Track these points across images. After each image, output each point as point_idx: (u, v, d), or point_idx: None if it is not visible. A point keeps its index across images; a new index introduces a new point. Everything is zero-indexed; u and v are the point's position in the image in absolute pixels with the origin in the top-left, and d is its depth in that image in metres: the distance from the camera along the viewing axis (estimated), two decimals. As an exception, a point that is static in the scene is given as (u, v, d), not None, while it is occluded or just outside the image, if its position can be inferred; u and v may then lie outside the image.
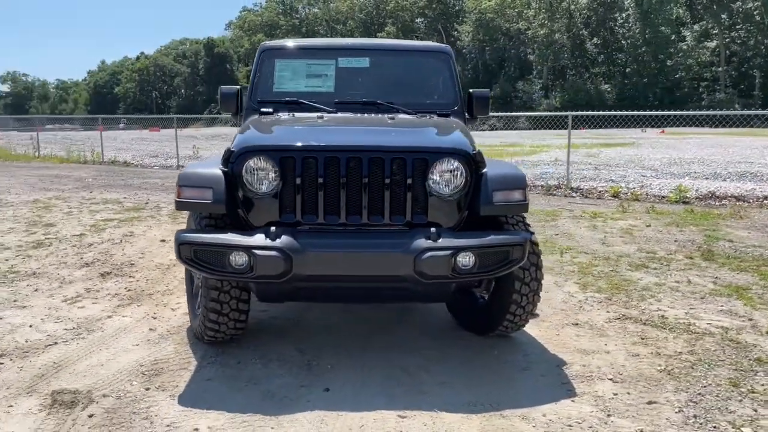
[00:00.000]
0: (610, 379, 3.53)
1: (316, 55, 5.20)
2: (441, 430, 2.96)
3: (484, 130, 49.82)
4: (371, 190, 3.53)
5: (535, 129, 39.67)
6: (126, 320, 4.52)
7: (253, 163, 3.54)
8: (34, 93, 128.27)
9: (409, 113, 4.65)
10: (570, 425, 3.00)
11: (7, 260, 6.25)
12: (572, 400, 3.27)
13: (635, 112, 14.35)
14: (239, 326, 3.88)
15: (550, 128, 28.77)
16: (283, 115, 4.62)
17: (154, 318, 4.56)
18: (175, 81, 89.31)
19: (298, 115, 4.58)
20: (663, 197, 10.66)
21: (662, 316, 4.59)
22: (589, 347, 4.02)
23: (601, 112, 14.81)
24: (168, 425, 2.99)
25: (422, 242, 3.40)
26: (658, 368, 3.67)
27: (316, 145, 3.59)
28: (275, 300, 3.89)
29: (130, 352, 3.93)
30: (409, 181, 3.55)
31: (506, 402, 3.23)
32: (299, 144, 3.61)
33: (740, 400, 3.25)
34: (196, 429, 2.95)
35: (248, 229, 3.58)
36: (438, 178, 3.59)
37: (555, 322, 4.49)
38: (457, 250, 3.40)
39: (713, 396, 3.31)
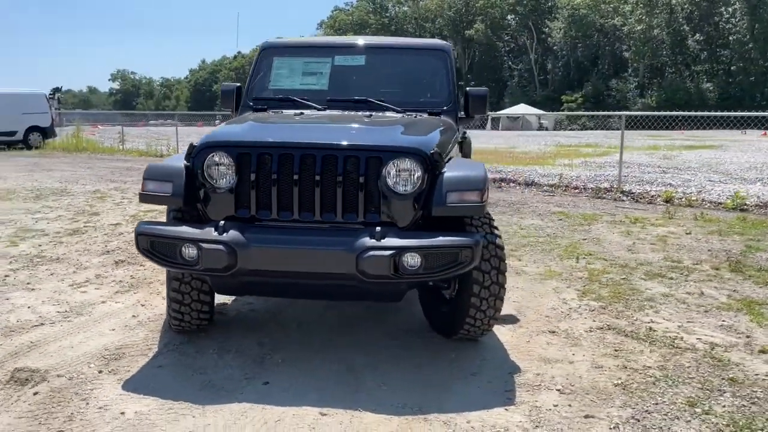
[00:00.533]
0: (558, 390, 3.38)
1: (313, 54, 5.26)
2: (356, 429, 2.94)
3: (574, 129, 48.53)
4: (324, 188, 3.54)
5: (632, 129, 38.18)
6: (116, 306, 4.74)
7: (211, 158, 3.62)
8: (140, 90, 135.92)
9: (398, 111, 4.64)
10: (489, 434, 2.91)
11: (39, 245, 6.69)
12: (506, 409, 3.16)
13: (717, 113, 13.66)
14: (203, 317, 4.00)
15: (647, 128, 27.27)
16: (271, 113, 4.71)
17: (143, 305, 4.76)
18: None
19: (285, 112, 4.66)
20: (719, 204, 10.04)
21: (650, 328, 4.34)
22: (554, 356, 3.86)
23: (672, 113, 14.13)
24: (100, 408, 3.12)
25: (365, 241, 3.37)
26: (616, 382, 3.49)
27: (271, 141, 3.64)
28: (230, 293, 3.98)
29: (103, 336, 4.12)
30: (362, 179, 3.53)
31: (436, 406, 3.17)
32: (255, 140, 3.67)
33: (688, 422, 3.05)
34: (123, 413, 3.07)
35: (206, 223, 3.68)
36: (392, 177, 3.55)
37: (532, 328, 4.35)
38: (401, 250, 3.35)
39: (660, 415, 3.11)
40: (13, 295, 4.96)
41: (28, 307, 4.67)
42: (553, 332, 4.28)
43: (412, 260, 3.39)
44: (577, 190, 11.72)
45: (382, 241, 3.37)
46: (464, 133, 5.26)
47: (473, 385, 3.45)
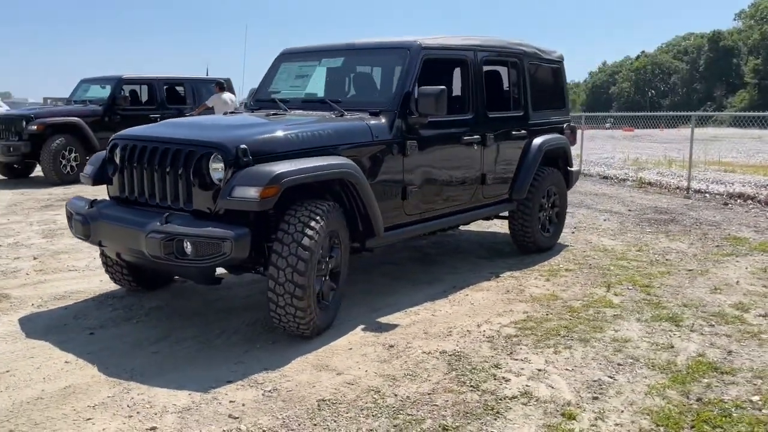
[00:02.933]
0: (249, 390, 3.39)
1: (307, 58, 5.71)
2: (148, 398, 3.33)
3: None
4: (159, 176, 4.20)
5: None
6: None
7: (110, 149, 4.61)
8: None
9: (338, 112, 4.85)
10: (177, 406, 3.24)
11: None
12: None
13: None
14: (126, 279, 4.94)
15: None
16: (246, 113, 5.44)
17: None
18: (672, 79, 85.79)
19: (258, 112, 5.30)
20: None
21: (496, 365, 3.71)
22: (327, 363, 3.74)
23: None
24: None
25: (152, 225, 3.92)
26: (318, 398, 3.30)
27: (130, 135, 4.48)
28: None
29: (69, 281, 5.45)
30: (181, 170, 4.07)
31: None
32: (126, 135, 4.54)
33: None
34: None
35: None
36: (202, 170, 4.01)
37: (362, 340, 4.14)
38: (172, 235, 3.82)
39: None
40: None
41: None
42: (391, 347, 4.01)
43: (187, 247, 3.81)
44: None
45: (163, 226, 3.88)
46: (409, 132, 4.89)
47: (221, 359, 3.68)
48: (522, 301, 4.96)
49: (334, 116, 4.80)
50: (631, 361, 3.81)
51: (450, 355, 3.89)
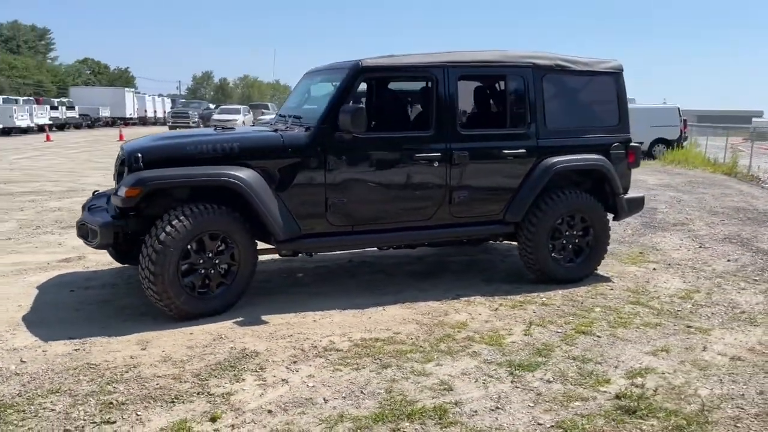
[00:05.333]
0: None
1: (313, 77, 6.23)
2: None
3: None
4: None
5: None
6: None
7: None
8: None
9: (287, 126, 5.46)
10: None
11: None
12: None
13: None
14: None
15: None
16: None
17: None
18: None
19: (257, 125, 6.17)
20: None
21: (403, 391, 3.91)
22: (149, 341, 4.38)
23: None
24: None
25: (82, 215, 5.13)
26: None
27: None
28: None
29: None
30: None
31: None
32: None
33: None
34: None
35: None
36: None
37: (208, 331, 4.61)
38: (83, 222, 5.05)
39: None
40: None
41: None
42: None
43: (88, 231, 4.96)
44: None
45: (83, 216, 5.10)
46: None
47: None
48: (420, 324, 4.81)
49: (280, 129, 5.36)
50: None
51: (215, 338, 4.27)
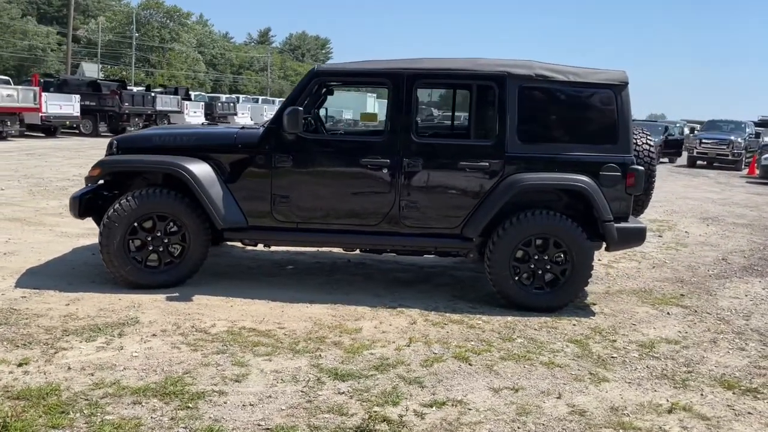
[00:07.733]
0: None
1: None
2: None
3: None
4: None
5: None
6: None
7: None
8: None
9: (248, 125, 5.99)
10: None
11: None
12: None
13: None
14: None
15: None
16: None
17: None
18: None
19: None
20: None
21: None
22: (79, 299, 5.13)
23: None
24: None
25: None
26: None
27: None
28: None
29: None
30: None
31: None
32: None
33: None
34: None
35: None
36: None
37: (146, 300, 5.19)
38: (74, 195, 5.97)
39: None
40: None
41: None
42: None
43: None
44: None
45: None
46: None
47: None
48: (318, 324, 4.91)
49: (246, 127, 5.84)
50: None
51: (128, 305, 4.75)
